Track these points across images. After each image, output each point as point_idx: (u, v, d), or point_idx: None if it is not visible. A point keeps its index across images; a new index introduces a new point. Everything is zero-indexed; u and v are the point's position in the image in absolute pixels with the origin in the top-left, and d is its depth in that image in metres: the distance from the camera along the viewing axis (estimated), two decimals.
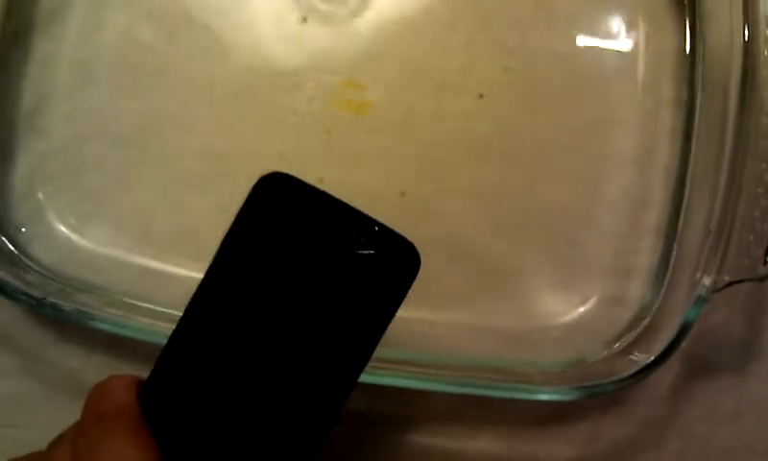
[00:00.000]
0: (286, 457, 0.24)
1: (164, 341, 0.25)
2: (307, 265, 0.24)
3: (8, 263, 0.35)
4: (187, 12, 0.38)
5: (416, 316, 0.37)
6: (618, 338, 0.37)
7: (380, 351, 0.35)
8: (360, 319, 0.25)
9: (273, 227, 0.24)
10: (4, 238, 0.36)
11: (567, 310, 0.38)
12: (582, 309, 0.38)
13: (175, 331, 0.24)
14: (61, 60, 0.38)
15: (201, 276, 0.24)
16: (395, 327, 0.36)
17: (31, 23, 0.37)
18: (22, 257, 0.36)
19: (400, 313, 0.34)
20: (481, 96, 0.38)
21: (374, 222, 0.24)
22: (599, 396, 0.36)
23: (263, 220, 0.24)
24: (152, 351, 0.26)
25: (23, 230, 0.37)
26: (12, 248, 0.36)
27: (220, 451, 0.24)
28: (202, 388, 0.24)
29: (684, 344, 0.34)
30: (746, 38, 0.34)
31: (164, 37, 0.37)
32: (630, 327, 0.37)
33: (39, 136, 0.37)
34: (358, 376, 0.25)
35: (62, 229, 0.37)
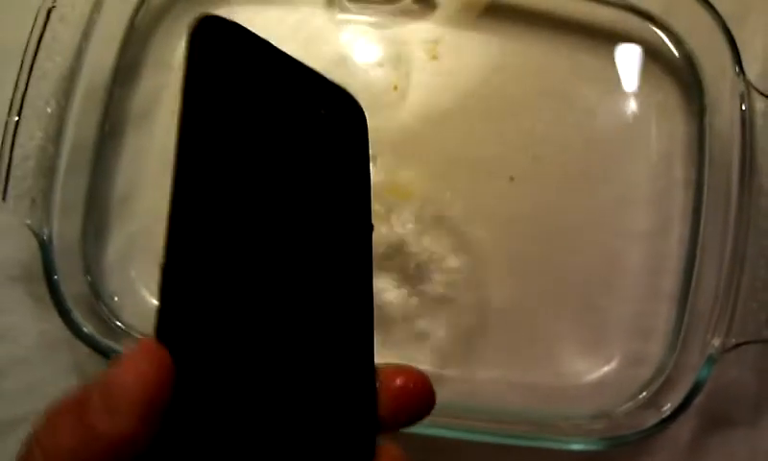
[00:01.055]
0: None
1: None
2: (276, 135, 0.21)
3: (104, 327, 0.39)
4: None
5: (455, 374, 0.41)
6: (639, 394, 0.40)
7: None
8: (343, 186, 0.22)
9: (228, 91, 0.20)
10: (102, 305, 0.40)
11: (593, 369, 0.41)
12: (606, 368, 0.41)
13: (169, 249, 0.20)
14: (150, 153, 0.42)
15: None
16: (436, 385, 0.40)
17: (125, 122, 0.42)
18: (116, 322, 0.40)
19: (442, 371, 0.38)
20: (512, 179, 0.43)
21: (317, 76, 0.22)
22: (623, 446, 0.39)
23: (216, 82, 0.20)
24: None
25: (115, 298, 0.41)
26: (108, 313, 0.40)
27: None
28: (220, 316, 0.20)
29: (699, 399, 0.38)
30: (745, 129, 0.38)
31: None
32: (649, 383, 0.40)
33: (130, 219, 0.41)
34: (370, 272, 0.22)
35: (150, 299, 0.41)
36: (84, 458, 0.19)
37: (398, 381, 0.23)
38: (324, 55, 0.43)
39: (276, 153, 0.21)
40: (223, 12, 0.43)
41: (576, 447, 0.37)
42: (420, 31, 0.44)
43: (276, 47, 0.22)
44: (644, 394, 0.40)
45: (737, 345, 0.37)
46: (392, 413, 0.23)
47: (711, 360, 0.37)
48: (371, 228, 0.22)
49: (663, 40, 0.43)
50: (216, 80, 0.20)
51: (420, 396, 0.24)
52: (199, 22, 0.21)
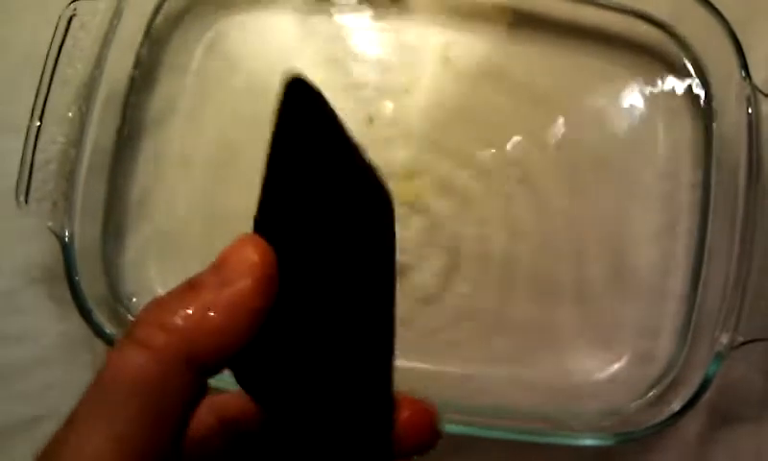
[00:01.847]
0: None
1: None
2: (327, 211, 0.22)
3: (123, 328, 0.39)
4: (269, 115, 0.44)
5: (467, 373, 0.42)
6: (648, 391, 0.41)
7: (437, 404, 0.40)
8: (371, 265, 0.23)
9: (303, 156, 0.22)
10: (121, 306, 0.41)
11: (603, 367, 0.42)
12: (615, 366, 0.42)
13: None
14: (167, 156, 0.43)
15: None
16: (451, 383, 0.41)
17: (142, 126, 0.43)
18: None
19: (457, 370, 0.39)
20: (521, 182, 0.43)
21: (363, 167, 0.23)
22: (633, 442, 0.39)
23: (295, 144, 0.23)
24: None
25: (134, 300, 0.41)
26: (126, 313, 0.41)
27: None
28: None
29: (708, 396, 0.38)
30: (752, 132, 0.39)
31: (252, 138, 0.41)
32: (658, 381, 0.41)
33: (148, 221, 0.42)
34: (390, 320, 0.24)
35: None
36: (206, 329, 0.19)
37: (406, 413, 0.24)
38: (335, 58, 0.44)
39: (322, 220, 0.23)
40: (237, 19, 0.44)
41: (587, 442, 0.38)
42: (429, 35, 0.44)
43: (341, 125, 0.23)
44: (653, 391, 0.41)
45: (745, 342, 0.38)
46: (396, 442, 0.23)
47: (719, 358, 0.38)
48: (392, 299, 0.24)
49: (670, 45, 0.44)
50: (291, 138, 0.23)
51: (425, 430, 0.24)
52: (290, 82, 0.22)
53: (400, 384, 0.39)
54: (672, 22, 0.44)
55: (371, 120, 0.43)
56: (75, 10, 0.39)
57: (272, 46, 0.44)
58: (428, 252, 0.42)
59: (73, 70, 0.39)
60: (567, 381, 0.42)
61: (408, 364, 0.41)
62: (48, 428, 0.19)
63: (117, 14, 0.40)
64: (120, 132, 0.42)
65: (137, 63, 0.42)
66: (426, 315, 0.42)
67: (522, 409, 0.41)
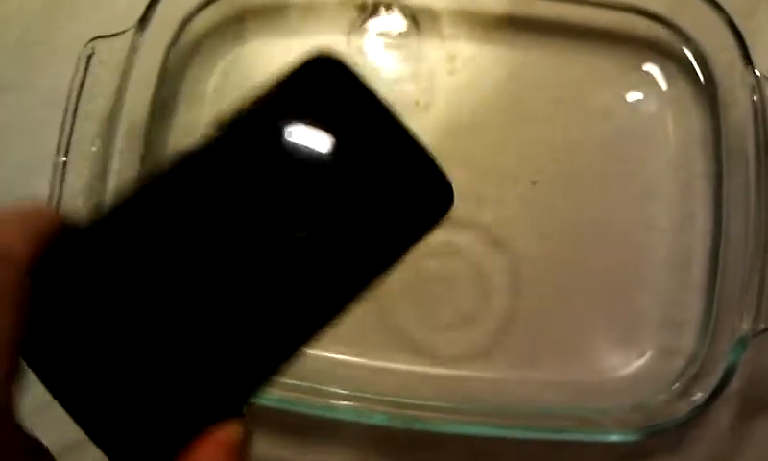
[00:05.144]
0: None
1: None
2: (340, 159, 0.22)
3: None
4: None
5: (490, 374, 0.42)
6: (674, 384, 0.41)
7: (459, 405, 0.40)
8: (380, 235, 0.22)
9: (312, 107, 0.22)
10: None
11: (627, 363, 0.42)
12: (640, 361, 0.42)
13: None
14: (199, 127, 0.44)
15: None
16: (479, 386, 0.41)
17: (164, 155, 0.44)
18: None
19: (478, 372, 0.38)
20: (534, 183, 0.44)
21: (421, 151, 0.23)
22: (662, 435, 0.39)
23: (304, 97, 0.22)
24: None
25: None
26: None
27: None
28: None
29: (737, 386, 0.39)
30: (758, 119, 0.39)
31: None
32: (683, 373, 0.41)
33: None
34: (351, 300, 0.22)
35: None
36: None
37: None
38: None
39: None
40: (250, 47, 0.45)
41: (616, 438, 0.38)
42: (436, 47, 0.45)
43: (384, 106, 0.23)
44: (678, 384, 0.40)
45: (766, 329, 0.38)
46: None
47: (742, 345, 0.37)
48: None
49: (673, 39, 0.44)
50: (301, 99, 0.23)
51: None
52: (315, 57, 0.22)
53: (427, 389, 0.40)
54: (672, 16, 0.44)
55: None
56: (93, 48, 0.40)
57: None
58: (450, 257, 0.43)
59: (94, 105, 0.40)
60: (592, 378, 0.42)
61: (434, 369, 0.42)
62: None
63: (134, 49, 0.41)
64: (143, 162, 0.43)
65: (156, 95, 0.44)
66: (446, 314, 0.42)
67: (552, 409, 0.41)
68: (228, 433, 0.21)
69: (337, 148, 0.23)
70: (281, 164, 0.22)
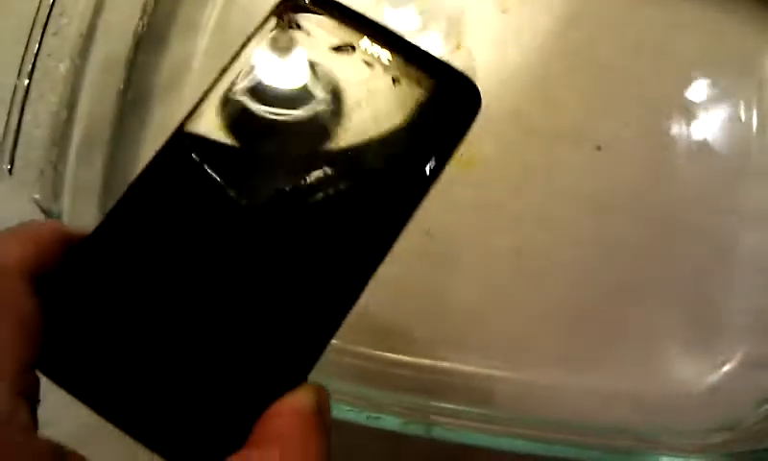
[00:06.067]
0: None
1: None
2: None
3: None
4: None
5: (538, 380, 0.35)
6: (765, 402, 0.34)
7: (498, 415, 0.33)
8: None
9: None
10: None
11: (705, 374, 0.35)
12: (722, 372, 0.35)
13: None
14: (192, 61, 0.39)
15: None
16: (522, 391, 0.35)
17: (150, 92, 0.39)
18: None
19: (528, 377, 0.32)
20: (599, 148, 0.37)
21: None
22: None
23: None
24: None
25: None
26: None
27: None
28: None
29: None
30: None
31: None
32: None
33: None
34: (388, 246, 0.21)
35: None
36: None
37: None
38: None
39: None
40: None
41: None
42: None
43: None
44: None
45: None
46: None
47: None
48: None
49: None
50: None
51: None
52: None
53: (463, 390, 0.34)
54: None
55: None
56: None
57: None
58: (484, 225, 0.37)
59: (68, 20, 0.35)
60: (661, 391, 0.35)
61: (474, 369, 0.35)
62: None
63: None
64: (123, 96, 0.38)
65: (145, 16, 0.38)
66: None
67: (601, 423, 0.34)
68: (299, 399, 0.20)
69: (350, 74, 0.23)
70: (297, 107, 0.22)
